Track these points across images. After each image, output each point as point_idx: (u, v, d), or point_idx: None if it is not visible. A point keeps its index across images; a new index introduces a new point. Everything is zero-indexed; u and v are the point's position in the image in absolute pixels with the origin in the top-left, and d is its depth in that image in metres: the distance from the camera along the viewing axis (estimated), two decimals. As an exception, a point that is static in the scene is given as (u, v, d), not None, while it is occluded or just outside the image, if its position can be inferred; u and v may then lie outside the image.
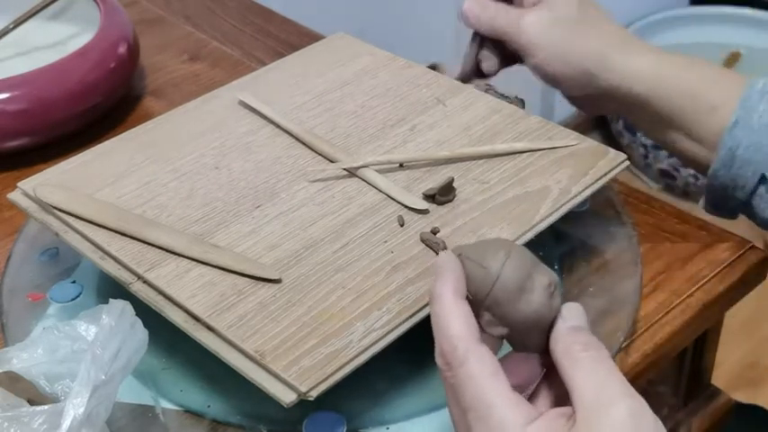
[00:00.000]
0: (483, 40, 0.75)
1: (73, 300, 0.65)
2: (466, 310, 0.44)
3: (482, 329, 0.44)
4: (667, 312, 0.65)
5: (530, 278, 0.44)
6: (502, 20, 0.72)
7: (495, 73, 0.76)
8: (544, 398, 0.45)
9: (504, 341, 0.47)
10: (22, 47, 0.91)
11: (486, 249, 0.45)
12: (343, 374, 0.51)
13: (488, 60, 0.75)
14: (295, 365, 0.50)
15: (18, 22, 0.90)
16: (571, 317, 0.44)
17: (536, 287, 0.44)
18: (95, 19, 0.87)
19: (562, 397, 0.44)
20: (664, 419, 0.77)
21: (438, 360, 0.43)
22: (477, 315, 0.44)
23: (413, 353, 0.59)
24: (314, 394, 0.50)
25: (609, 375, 0.41)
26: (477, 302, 0.44)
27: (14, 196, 0.65)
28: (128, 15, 0.90)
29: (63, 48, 0.90)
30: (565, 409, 0.41)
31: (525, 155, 0.65)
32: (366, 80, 0.75)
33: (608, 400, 0.40)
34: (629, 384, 0.41)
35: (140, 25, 0.98)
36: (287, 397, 0.50)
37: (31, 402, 0.52)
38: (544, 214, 0.60)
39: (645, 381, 0.65)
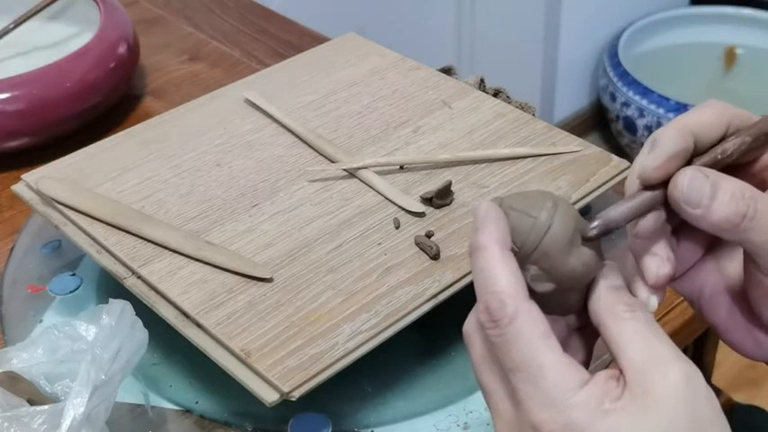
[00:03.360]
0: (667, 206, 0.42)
1: (72, 292, 0.65)
2: (513, 263, 0.40)
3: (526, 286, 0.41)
4: (667, 312, 0.65)
5: (577, 231, 0.41)
6: (762, 216, 0.40)
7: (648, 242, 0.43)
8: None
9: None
10: (22, 47, 0.92)
11: (532, 199, 0.41)
12: (327, 376, 0.51)
13: (661, 255, 0.43)
14: (279, 365, 0.51)
15: (18, 22, 0.90)
16: (611, 276, 0.41)
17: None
18: (95, 19, 0.88)
19: (587, 360, 0.43)
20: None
21: (481, 316, 0.40)
22: (521, 269, 0.40)
23: (401, 356, 0.59)
24: (296, 395, 0.50)
25: (658, 338, 0.38)
26: (523, 256, 0.41)
27: (18, 188, 0.65)
28: (128, 15, 0.90)
29: (63, 48, 0.90)
30: (613, 372, 0.39)
31: (527, 160, 0.65)
32: (374, 81, 0.75)
33: (660, 362, 0.37)
34: (679, 349, 0.38)
35: (140, 25, 0.98)
36: (270, 396, 0.50)
37: (31, 402, 0.52)
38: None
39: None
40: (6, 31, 0.90)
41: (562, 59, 2.02)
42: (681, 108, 1.86)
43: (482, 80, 0.77)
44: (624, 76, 1.97)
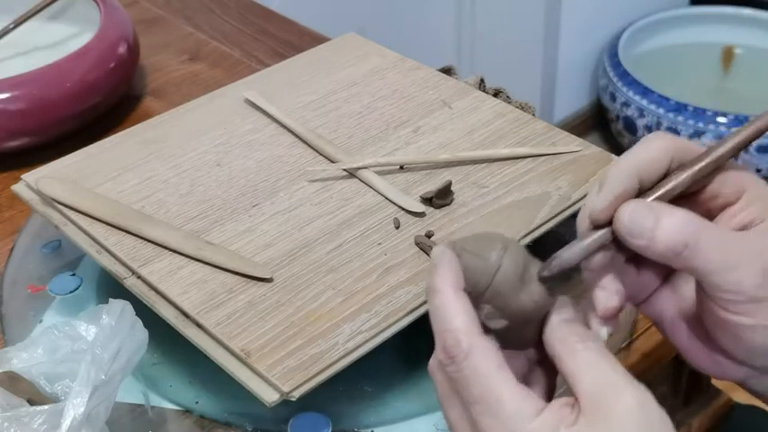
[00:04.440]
0: (618, 245, 0.44)
1: (72, 292, 0.65)
2: (466, 302, 0.42)
3: (481, 323, 0.43)
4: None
5: (527, 270, 0.44)
6: (706, 245, 0.42)
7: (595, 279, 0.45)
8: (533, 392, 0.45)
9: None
10: (22, 47, 0.92)
11: (483, 241, 0.44)
12: (327, 376, 0.51)
13: (609, 287, 0.45)
14: (279, 365, 0.51)
15: (18, 22, 0.90)
16: (564, 310, 0.44)
17: (534, 278, 0.44)
18: (95, 19, 0.88)
19: (550, 392, 0.45)
20: (663, 419, 0.77)
21: (439, 354, 0.42)
22: (475, 308, 0.43)
23: (401, 356, 0.59)
24: (296, 395, 0.50)
25: (610, 365, 0.41)
26: (477, 295, 0.43)
27: (18, 188, 0.65)
28: (128, 15, 0.90)
29: (63, 48, 0.90)
30: (568, 400, 0.41)
31: (527, 160, 0.65)
32: (374, 81, 0.75)
33: (614, 389, 0.39)
34: (631, 375, 0.40)
35: (140, 25, 0.98)
36: (270, 396, 0.50)
37: (31, 402, 0.52)
38: (541, 220, 0.60)
39: (645, 381, 0.64)
40: (6, 31, 0.90)
41: (562, 59, 2.02)
42: (681, 108, 1.86)
43: (482, 80, 0.77)
44: (624, 76, 1.97)
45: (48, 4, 0.91)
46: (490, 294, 0.43)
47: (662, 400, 0.79)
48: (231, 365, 0.52)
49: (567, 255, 0.44)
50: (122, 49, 0.86)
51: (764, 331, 0.42)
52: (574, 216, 0.61)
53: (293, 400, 0.50)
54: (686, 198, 0.45)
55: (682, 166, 0.44)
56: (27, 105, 0.79)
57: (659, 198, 0.44)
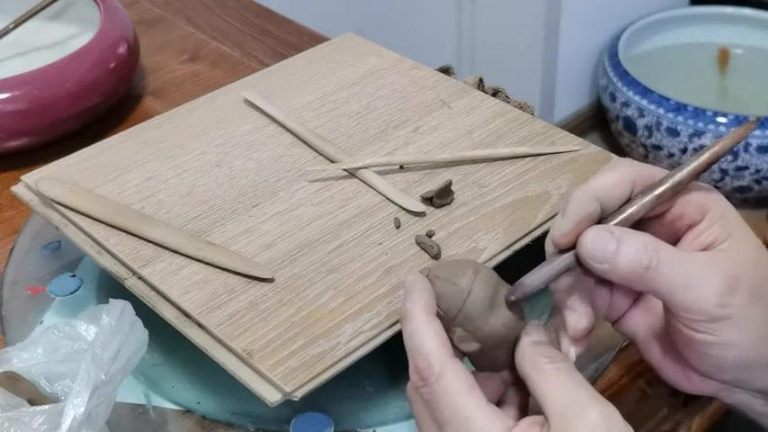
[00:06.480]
0: (583, 270, 0.46)
1: (72, 293, 0.65)
2: (438, 326, 0.44)
3: (454, 346, 0.45)
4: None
5: (497, 295, 0.45)
6: (666, 267, 0.43)
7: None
8: (508, 412, 0.47)
9: (468, 362, 0.47)
10: (22, 47, 0.92)
11: (455, 268, 0.46)
12: (329, 376, 0.51)
13: (577, 309, 0.47)
14: (281, 366, 0.51)
15: (18, 22, 0.90)
16: (534, 333, 0.45)
17: (504, 303, 0.46)
18: (95, 19, 0.88)
19: (524, 412, 0.47)
20: (664, 419, 0.77)
21: (413, 376, 0.44)
22: (449, 332, 0.45)
23: (403, 356, 0.59)
24: (299, 395, 0.50)
25: (577, 384, 0.42)
26: (449, 319, 0.45)
27: (18, 189, 0.65)
28: (128, 15, 0.90)
29: (63, 48, 0.90)
30: (537, 418, 0.42)
31: (527, 159, 0.65)
32: (373, 81, 0.75)
33: (580, 406, 0.41)
34: (597, 392, 0.42)
35: (140, 25, 0.98)
36: (272, 396, 0.50)
37: (31, 402, 0.52)
38: (541, 220, 0.60)
39: (645, 381, 0.64)
40: (6, 31, 0.90)
41: (562, 59, 2.02)
42: (681, 108, 1.86)
43: (481, 80, 0.77)
44: (624, 76, 1.97)
45: (48, 4, 0.91)
46: (462, 319, 0.45)
47: (662, 400, 0.80)
48: (233, 366, 0.52)
49: (531, 280, 0.45)
50: (122, 49, 0.86)
51: (728, 348, 0.44)
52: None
53: (296, 400, 0.50)
54: (652, 220, 0.47)
55: (644, 191, 0.46)
56: (27, 105, 0.79)
57: (621, 222, 0.45)
